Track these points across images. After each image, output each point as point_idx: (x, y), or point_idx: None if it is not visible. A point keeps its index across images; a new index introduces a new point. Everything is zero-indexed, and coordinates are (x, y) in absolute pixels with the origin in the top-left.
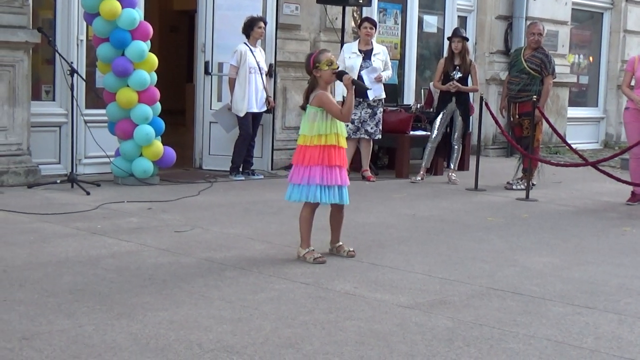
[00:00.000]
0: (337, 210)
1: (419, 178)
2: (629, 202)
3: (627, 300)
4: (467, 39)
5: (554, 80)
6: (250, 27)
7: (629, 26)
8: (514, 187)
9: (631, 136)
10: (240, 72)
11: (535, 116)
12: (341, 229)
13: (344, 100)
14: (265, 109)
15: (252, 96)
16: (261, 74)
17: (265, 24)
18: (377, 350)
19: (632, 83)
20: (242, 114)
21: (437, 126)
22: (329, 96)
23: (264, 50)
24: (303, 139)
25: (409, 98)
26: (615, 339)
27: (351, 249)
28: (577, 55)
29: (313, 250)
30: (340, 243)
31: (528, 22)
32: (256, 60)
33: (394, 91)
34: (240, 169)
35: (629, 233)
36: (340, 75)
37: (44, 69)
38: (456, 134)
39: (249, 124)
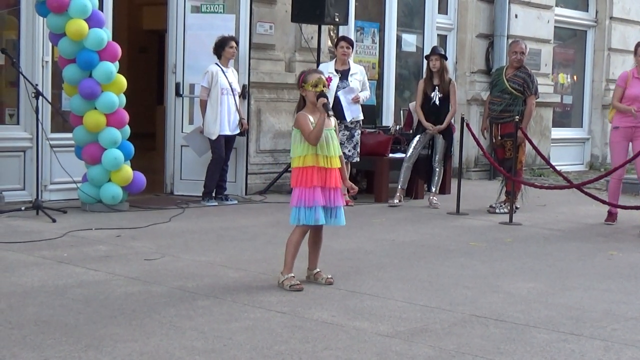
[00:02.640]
0: (316, 233)
1: (397, 200)
2: (607, 222)
3: (613, 327)
4: (445, 57)
5: (537, 100)
6: (222, 47)
7: (614, 44)
8: (497, 210)
9: (616, 156)
10: (212, 93)
11: (517, 137)
12: (319, 254)
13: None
14: (238, 131)
15: (224, 118)
16: (234, 95)
17: (237, 43)
18: None
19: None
20: (214, 137)
21: (413, 145)
22: (305, 117)
23: (237, 70)
24: (295, 161)
25: (388, 119)
26: None
27: (329, 276)
28: (567, 75)
29: (293, 277)
30: (318, 270)
31: (510, 41)
32: (228, 81)
33: (372, 112)
34: (214, 194)
35: (615, 257)
36: (319, 97)
37: (8, 92)
38: (437, 156)
39: (222, 147)
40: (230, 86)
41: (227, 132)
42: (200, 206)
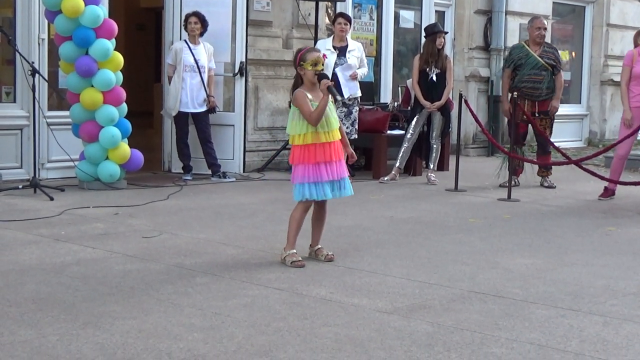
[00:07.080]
0: (320, 209)
1: (387, 178)
2: (601, 198)
3: (612, 302)
4: (446, 33)
5: None
6: (184, 24)
7: (612, 20)
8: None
9: (624, 135)
10: (176, 70)
11: (551, 110)
12: (322, 231)
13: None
14: (204, 108)
15: (185, 95)
16: (200, 72)
17: (198, 18)
18: (354, 357)
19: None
20: (173, 114)
21: (412, 125)
22: (304, 96)
23: (234, 48)
24: (292, 139)
25: (386, 96)
26: (600, 342)
27: (330, 253)
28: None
29: (295, 253)
30: (320, 246)
31: (507, 17)
32: (195, 58)
33: (370, 89)
34: (218, 172)
35: (613, 233)
36: (320, 78)
37: (4, 70)
38: (434, 132)
39: (183, 124)
40: (197, 63)
41: (190, 109)
42: (198, 184)
